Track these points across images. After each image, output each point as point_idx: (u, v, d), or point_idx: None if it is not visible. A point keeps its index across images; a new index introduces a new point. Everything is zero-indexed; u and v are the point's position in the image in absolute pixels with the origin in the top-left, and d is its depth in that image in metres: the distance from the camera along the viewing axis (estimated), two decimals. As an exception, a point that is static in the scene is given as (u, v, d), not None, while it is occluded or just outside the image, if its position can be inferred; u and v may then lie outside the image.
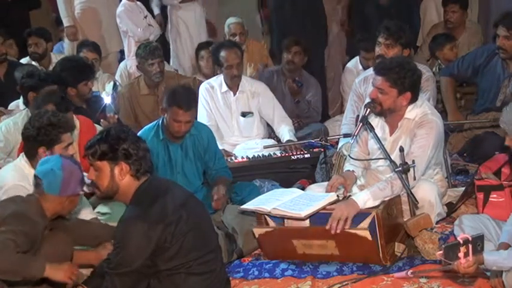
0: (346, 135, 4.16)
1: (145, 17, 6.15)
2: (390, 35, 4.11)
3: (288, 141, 4.61)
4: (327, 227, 3.09)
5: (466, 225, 2.94)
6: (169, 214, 2.54)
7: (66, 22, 6.19)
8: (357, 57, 5.70)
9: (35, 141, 3.12)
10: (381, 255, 3.11)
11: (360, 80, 4.42)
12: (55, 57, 5.74)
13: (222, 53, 4.71)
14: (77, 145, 3.67)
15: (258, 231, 3.30)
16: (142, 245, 2.49)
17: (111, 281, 2.53)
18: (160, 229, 2.50)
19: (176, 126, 3.70)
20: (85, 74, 4.58)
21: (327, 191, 3.39)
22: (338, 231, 3.07)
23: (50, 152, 3.07)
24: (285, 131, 4.74)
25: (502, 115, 2.97)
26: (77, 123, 3.80)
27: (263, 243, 3.36)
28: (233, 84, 4.80)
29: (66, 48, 6.37)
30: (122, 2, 6.16)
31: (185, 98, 3.69)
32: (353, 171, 3.56)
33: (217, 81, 4.85)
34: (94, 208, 3.60)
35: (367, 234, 3.06)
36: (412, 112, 3.43)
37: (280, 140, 4.81)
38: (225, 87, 4.81)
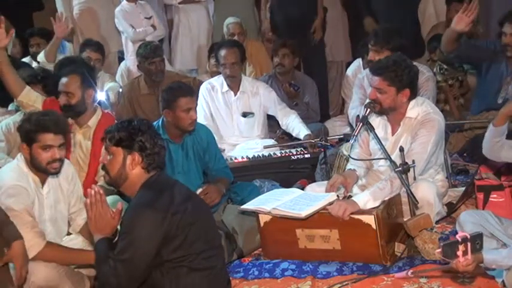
0: (346, 135, 4.17)
1: (149, 18, 6.11)
2: (377, 41, 4.18)
3: (307, 136, 4.55)
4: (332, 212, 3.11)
5: (467, 221, 2.91)
6: (176, 204, 2.56)
7: None
8: (357, 62, 5.68)
9: (20, 137, 3.11)
10: (381, 255, 3.11)
11: (362, 76, 4.47)
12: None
13: (221, 52, 4.72)
14: (93, 135, 3.81)
15: (263, 218, 3.30)
16: (151, 231, 2.50)
17: (114, 268, 2.49)
18: (168, 218, 2.52)
19: (188, 117, 3.68)
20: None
21: (327, 191, 3.39)
22: (340, 214, 3.08)
23: (30, 150, 3.04)
24: (300, 126, 4.68)
25: None
26: (99, 113, 3.91)
27: (266, 234, 3.34)
28: (232, 84, 4.80)
29: (67, 48, 6.37)
30: (121, 2, 6.16)
31: (185, 86, 3.79)
32: (354, 170, 3.56)
33: (219, 81, 4.85)
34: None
35: (371, 220, 3.06)
36: (414, 111, 3.43)
37: (285, 130, 4.84)
38: (226, 87, 4.81)
